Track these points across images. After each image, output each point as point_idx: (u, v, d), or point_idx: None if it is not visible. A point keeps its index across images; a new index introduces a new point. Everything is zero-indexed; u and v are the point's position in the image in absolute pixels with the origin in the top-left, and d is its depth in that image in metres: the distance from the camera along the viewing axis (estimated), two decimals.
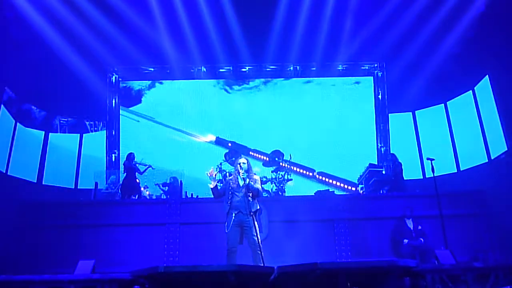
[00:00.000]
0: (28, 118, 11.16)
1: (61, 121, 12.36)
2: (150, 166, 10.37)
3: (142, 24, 10.94)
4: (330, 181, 12.28)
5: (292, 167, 11.65)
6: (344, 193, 11.67)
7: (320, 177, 12.31)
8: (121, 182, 10.12)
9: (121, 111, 12.90)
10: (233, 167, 5.70)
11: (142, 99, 13.15)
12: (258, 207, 5.53)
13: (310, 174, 12.34)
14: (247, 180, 5.44)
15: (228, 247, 5.35)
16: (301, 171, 12.33)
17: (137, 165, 10.06)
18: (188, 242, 7.89)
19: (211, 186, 5.54)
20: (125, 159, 10.10)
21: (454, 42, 10.44)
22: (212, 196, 5.68)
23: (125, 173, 9.86)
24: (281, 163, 11.66)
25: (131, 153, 10.12)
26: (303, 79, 12.99)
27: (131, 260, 7.49)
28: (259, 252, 5.18)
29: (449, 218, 7.15)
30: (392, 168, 10.41)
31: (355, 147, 12.44)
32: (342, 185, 12.18)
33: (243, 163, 5.60)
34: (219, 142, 12.77)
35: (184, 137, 12.86)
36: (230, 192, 5.49)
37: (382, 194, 9.39)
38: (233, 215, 5.40)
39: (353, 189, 11.76)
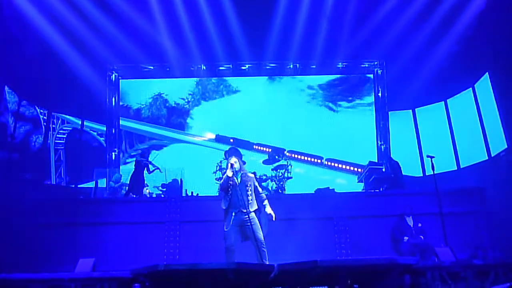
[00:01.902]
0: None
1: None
2: (158, 168, 10.36)
3: (141, 22, 10.94)
4: (340, 165, 12.37)
5: (300, 157, 11.71)
6: (355, 176, 11.71)
7: (329, 163, 12.37)
8: (128, 178, 10.06)
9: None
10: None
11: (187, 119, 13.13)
12: (257, 206, 5.54)
13: (319, 161, 12.40)
14: (264, 198, 5.59)
15: (226, 245, 5.36)
16: (310, 159, 12.37)
17: (148, 163, 10.05)
18: (188, 240, 7.88)
19: (230, 174, 5.49)
20: (139, 154, 10.04)
21: (454, 40, 10.43)
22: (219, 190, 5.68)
23: (135, 168, 9.84)
24: (287, 153, 11.71)
25: (146, 149, 10.11)
26: None
27: (131, 258, 7.47)
28: (264, 250, 5.22)
29: (449, 215, 7.15)
30: (390, 167, 10.41)
31: (356, 144, 12.49)
32: (352, 168, 12.28)
33: (234, 162, 5.62)
34: (219, 139, 12.75)
35: (184, 137, 12.85)
36: (229, 189, 5.50)
37: (381, 192, 9.39)
38: (233, 214, 5.40)
39: (359, 170, 11.82)
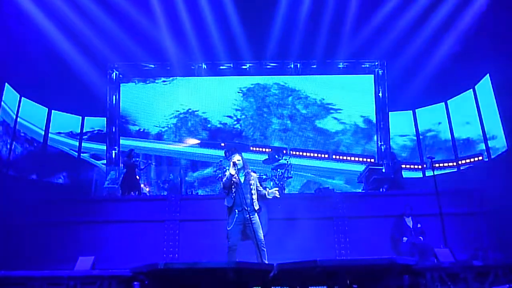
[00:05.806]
0: None
1: None
2: (150, 163, 10.34)
3: (142, 20, 10.92)
4: (347, 158, 12.38)
5: (305, 153, 11.72)
6: (363, 166, 11.68)
7: (336, 157, 12.41)
8: (121, 179, 10.10)
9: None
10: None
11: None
12: (259, 206, 5.53)
13: (326, 156, 12.40)
14: (265, 190, 5.55)
15: (229, 245, 5.34)
16: (315, 155, 12.39)
17: (137, 161, 10.02)
18: (188, 239, 7.88)
19: (232, 172, 5.46)
20: (125, 155, 10.05)
21: (455, 40, 10.42)
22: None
23: (125, 170, 9.84)
24: (290, 152, 11.71)
25: (131, 149, 10.07)
26: None
27: (131, 257, 7.49)
28: (263, 249, 5.22)
29: (448, 216, 7.15)
30: (391, 166, 10.42)
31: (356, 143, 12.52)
32: (359, 159, 12.33)
33: (238, 160, 5.60)
34: (204, 145, 12.36)
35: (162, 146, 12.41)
36: (233, 187, 5.48)
37: (381, 192, 9.39)
38: (236, 212, 5.38)
39: (371, 160, 11.90)
